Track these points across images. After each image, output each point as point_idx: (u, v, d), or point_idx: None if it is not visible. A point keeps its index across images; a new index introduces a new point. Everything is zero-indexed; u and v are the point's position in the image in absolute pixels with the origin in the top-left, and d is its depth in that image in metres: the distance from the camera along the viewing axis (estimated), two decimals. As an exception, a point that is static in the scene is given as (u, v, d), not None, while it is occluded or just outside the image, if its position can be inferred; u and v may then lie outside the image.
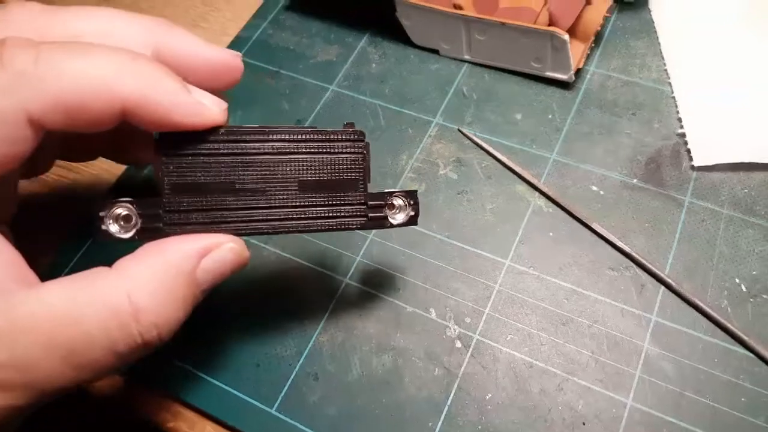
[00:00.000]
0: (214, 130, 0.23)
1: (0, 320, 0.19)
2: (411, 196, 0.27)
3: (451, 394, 0.30)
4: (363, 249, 0.35)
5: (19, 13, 0.23)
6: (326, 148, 0.25)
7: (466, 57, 0.41)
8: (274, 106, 0.41)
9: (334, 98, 0.41)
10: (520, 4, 0.41)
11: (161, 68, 0.22)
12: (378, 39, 0.44)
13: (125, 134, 0.29)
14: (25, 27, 0.22)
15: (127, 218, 0.23)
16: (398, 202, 0.27)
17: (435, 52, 0.42)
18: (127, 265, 0.22)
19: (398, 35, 0.43)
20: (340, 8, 0.44)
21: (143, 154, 0.32)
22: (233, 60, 0.27)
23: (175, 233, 0.23)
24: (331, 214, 0.25)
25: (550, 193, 0.35)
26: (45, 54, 0.20)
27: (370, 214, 0.26)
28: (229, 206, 0.24)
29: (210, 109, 0.23)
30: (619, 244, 0.33)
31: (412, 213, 0.27)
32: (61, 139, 0.29)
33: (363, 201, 0.26)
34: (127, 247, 0.23)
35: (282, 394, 0.31)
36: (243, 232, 0.24)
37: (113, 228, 0.23)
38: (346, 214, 0.25)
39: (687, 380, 0.30)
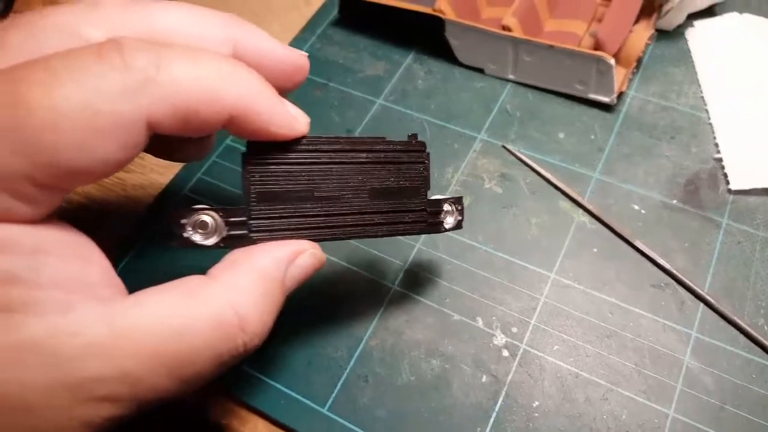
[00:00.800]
0: (296, 140, 0.24)
1: (105, 332, 0.19)
2: (458, 202, 0.29)
3: (499, 401, 0.31)
4: (411, 257, 0.36)
5: (106, 6, 0.22)
6: (394, 158, 0.26)
7: (511, 77, 0.42)
8: (324, 117, 0.42)
9: (381, 111, 0.42)
10: (564, 28, 0.42)
11: (262, 79, 0.23)
12: (423, 56, 0.45)
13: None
14: (114, 19, 0.22)
15: (205, 225, 0.23)
16: (447, 207, 0.28)
17: (479, 70, 0.43)
18: (224, 274, 0.22)
19: (443, 53, 0.44)
20: (387, 25, 0.45)
21: (192, 153, 0.31)
22: (302, 59, 0.27)
23: (260, 240, 0.24)
24: (396, 220, 0.27)
25: (593, 211, 0.36)
26: (164, 58, 0.20)
27: (429, 220, 0.27)
28: (308, 213, 0.25)
29: (300, 122, 0.24)
30: (661, 261, 0.34)
31: (460, 218, 0.29)
32: None
33: (424, 207, 0.27)
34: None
35: (334, 394, 0.32)
36: (321, 237, 0.25)
37: (196, 236, 0.23)
38: (410, 219, 0.27)
39: (726, 394, 0.31)
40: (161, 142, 0.31)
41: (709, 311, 0.33)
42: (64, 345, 0.18)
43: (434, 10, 0.42)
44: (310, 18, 0.48)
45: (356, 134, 0.41)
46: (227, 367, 0.22)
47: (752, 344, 0.32)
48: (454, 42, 0.42)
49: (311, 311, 0.34)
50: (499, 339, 0.33)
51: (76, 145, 0.18)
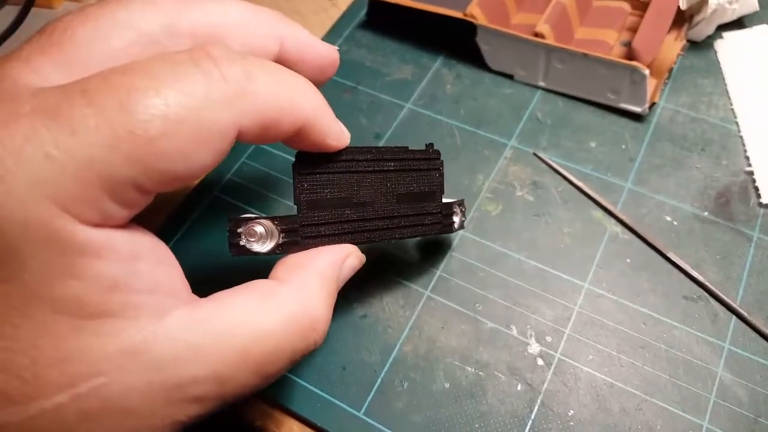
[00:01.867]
0: (339, 151, 0.26)
1: (197, 335, 0.20)
2: (461, 204, 0.33)
3: (535, 410, 0.31)
4: (443, 264, 0.36)
5: (162, 2, 0.23)
6: (415, 165, 0.29)
7: (541, 84, 0.42)
8: (352, 121, 0.42)
9: (410, 116, 0.42)
10: (595, 37, 0.42)
11: (320, 93, 0.24)
12: (452, 61, 0.45)
13: None
14: (172, 16, 0.23)
15: (256, 233, 0.24)
16: (456, 209, 0.32)
17: (509, 77, 0.43)
18: (291, 278, 0.24)
19: (472, 58, 0.44)
20: (415, 29, 0.45)
21: None
22: (336, 54, 0.28)
23: (310, 246, 0.26)
24: (418, 222, 0.29)
25: (626, 221, 0.36)
26: (252, 70, 0.20)
27: (444, 221, 0.30)
28: (348, 218, 0.26)
29: (346, 134, 0.25)
30: (693, 273, 0.35)
31: (463, 219, 0.33)
32: None
33: (440, 210, 0.30)
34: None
35: (369, 398, 0.32)
36: (360, 241, 0.27)
37: (251, 244, 0.24)
38: (429, 221, 0.29)
39: (760, 407, 0.31)
40: None
41: (742, 324, 0.33)
42: (162, 349, 0.19)
43: (465, 15, 0.42)
44: (337, 20, 0.48)
45: (385, 139, 0.41)
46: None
47: (785, 358, 0.32)
48: (484, 47, 0.42)
49: (345, 314, 0.34)
50: (534, 347, 0.33)
51: (181, 153, 0.19)
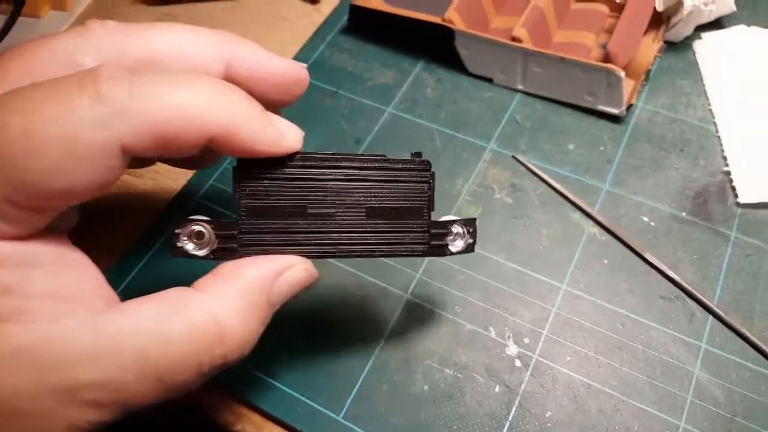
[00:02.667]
0: (290, 156, 0.24)
1: (93, 341, 0.20)
2: (470, 224, 0.27)
3: (512, 411, 0.31)
4: (423, 267, 0.36)
5: (98, 33, 0.23)
6: (394, 176, 0.26)
7: (520, 87, 0.43)
8: (333, 126, 0.42)
9: (391, 120, 0.42)
10: (573, 39, 0.43)
11: (247, 98, 0.23)
12: (433, 65, 0.45)
13: None
14: (104, 46, 0.23)
15: (200, 236, 0.24)
16: (457, 229, 0.27)
17: (488, 80, 0.44)
18: (209, 286, 0.23)
19: (452, 62, 0.44)
20: (397, 34, 0.45)
21: (203, 160, 0.32)
22: (301, 72, 0.27)
23: (249, 254, 0.24)
24: (394, 241, 0.26)
25: (604, 222, 0.37)
26: (138, 86, 0.20)
27: (432, 242, 0.26)
28: (300, 229, 0.25)
29: (289, 139, 0.24)
30: (670, 273, 0.35)
31: (471, 241, 0.27)
32: None
33: (426, 229, 0.26)
34: (188, 262, 0.24)
35: (349, 401, 0.32)
36: (312, 254, 0.25)
37: (189, 246, 0.24)
38: (409, 241, 0.26)
39: (736, 406, 0.31)
40: None
41: (719, 323, 0.34)
42: (53, 351, 0.19)
43: (444, 20, 0.42)
44: (320, 25, 0.48)
45: (366, 143, 0.41)
46: (211, 376, 0.23)
47: (761, 357, 0.33)
48: (463, 52, 0.43)
49: (326, 318, 0.34)
50: (512, 349, 0.33)
51: (52, 170, 0.19)
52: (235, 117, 0.22)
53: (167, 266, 0.36)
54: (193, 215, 0.24)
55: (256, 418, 0.32)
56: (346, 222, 0.25)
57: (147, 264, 0.36)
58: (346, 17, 0.47)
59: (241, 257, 0.24)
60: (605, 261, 0.36)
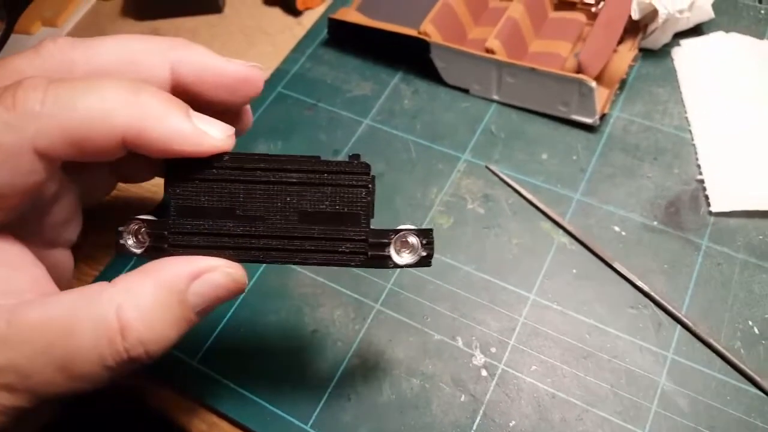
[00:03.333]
0: (219, 156, 0.24)
1: (6, 328, 0.21)
2: (425, 234, 0.25)
3: (477, 420, 0.32)
4: (393, 277, 0.36)
5: (50, 49, 0.24)
6: (329, 179, 0.24)
7: (495, 97, 0.43)
8: (312, 138, 0.43)
9: (368, 131, 0.43)
10: (549, 49, 0.43)
11: (163, 98, 0.23)
12: (410, 76, 0.46)
13: None
14: (54, 62, 0.24)
15: (138, 234, 0.24)
16: (412, 240, 0.25)
17: (465, 91, 0.44)
18: (124, 281, 0.23)
19: (430, 73, 0.45)
20: (376, 46, 0.46)
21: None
22: (250, 72, 0.27)
23: (177, 254, 0.24)
24: (329, 249, 0.24)
25: (574, 232, 0.37)
26: (51, 92, 0.21)
27: (371, 252, 0.24)
28: (228, 232, 0.24)
29: (211, 138, 0.23)
30: (639, 283, 0.35)
31: (424, 253, 0.25)
32: (114, 165, 0.31)
33: (364, 237, 0.24)
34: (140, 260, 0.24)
35: (317, 411, 0.32)
36: (240, 258, 0.24)
37: (130, 243, 0.24)
38: (346, 249, 0.24)
39: (701, 416, 0.31)
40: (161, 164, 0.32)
41: (686, 333, 0.34)
42: None
43: (419, 33, 0.42)
44: (301, 38, 0.49)
45: (342, 154, 0.42)
46: (122, 372, 0.23)
47: (728, 367, 0.33)
48: (439, 63, 0.43)
49: (296, 329, 0.35)
50: (478, 359, 0.34)
51: None
52: (145, 116, 0.22)
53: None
54: (141, 214, 0.24)
55: (226, 426, 0.33)
56: (277, 226, 0.24)
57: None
58: (326, 30, 0.48)
59: (169, 257, 0.24)
60: (574, 270, 0.36)
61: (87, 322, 0.22)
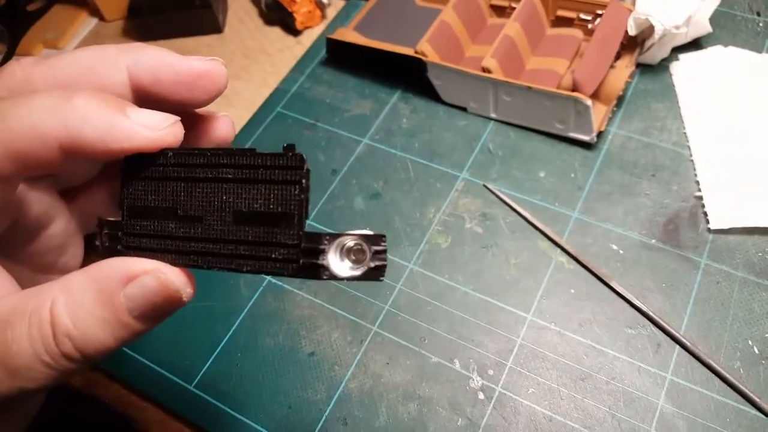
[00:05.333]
0: (163, 153, 0.23)
1: None
2: (373, 240, 0.20)
3: (473, 444, 0.32)
4: (391, 298, 0.37)
5: (12, 69, 0.24)
6: (262, 175, 0.21)
7: (493, 115, 0.43)
8: (310, 158, 0.43)
9: (366, 151, 0.43)
10: (546, 66, 0.43)
11: (96, 99, 0.23)
12: (409, 95, 0.46)
13: None
14: (15, 81, 0.24)
15: (102, 236, 0.24)
16: (357, 247, 0.20)
17: (463, 109, 0.44)
18: (65, 278, 0.23)
19: (428, 92, 0.45)
20: (374, 65, 0.46)
21: None
22: (209, 66, 0.26)
23: (129, 256, 0.23)
24: (261, 254, 0.21)
25: (571, 251, 0.37)
26: None
27: (303, 260, 0.21)
28: (171, 234, 0.22)
29: (142, 132, 0.22)
30: (637, 303, 0.35)
31: (373, 265, 0.20)
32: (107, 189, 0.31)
33: (296, 242, 0.21)
34: None
35: (312, 437, 0.32)
36: (180, 262, 0.22)
37: (97, 243, 0.24)
38: (278, 256, 0.21)
39: (700, 438, 0.31)
40: None
41: (685, 353, 0.33)
42: None
43: (416, 52, 0.42)
44: (300, 57, 0.49)
45: (341, 174, 0.42)
46: (62, 371, 0.22)
47: (728, 388, 0.32)
48: (436, 82, 0.43)
49: (294, 354, 0.35)
50: (476, 381, 0.33)
51: None
52: (77, 119, 0.22)
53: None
54: (103, 218, 0.24)
55: (223, 451, 0.33)
56: (213, 228, 0.22)
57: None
58: (325, 50, 0.48)
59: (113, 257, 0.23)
60: (572, 290, 0.36)
61: (24, 316, 0.22)
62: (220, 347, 0.35)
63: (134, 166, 0.23)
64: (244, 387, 0.34)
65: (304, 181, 0.21)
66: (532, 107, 0.41)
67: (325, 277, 0.21)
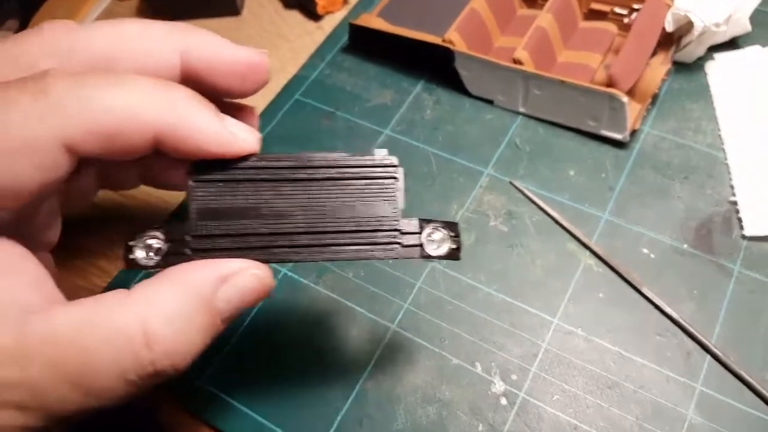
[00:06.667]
0: (244, 157, 0.24)
1: (14, 340, 0.19)
2: (451, 227, 0.25)
3: (495, 451, 0.30)
4: (411, 296, 0.35)
5: (50, 34, 0.23)
6: (358, 173, 0.24)
7: (521, 109, 0.42)
8: (330, 147, 0.42)
9: (388, 142, 0.42)
10: (578, 60, 0.41)
11: (195, 98, 0.23)
12: (433, 86, 0.44)
13: (159, 161, 0.29)
14: (55, 46, 0.23)
15: (153, 245, 0.23)
16: (437, 235, 0.25)
17: (489, 102, 0.43)
18: (144, 289, 0.22)
19: (453, 83, 0.43)
20: (398, 53, 0.45)
21: (177, 180, 0.31)
22: (257, 57, 0.26)
23: (200, 258, 0.23)
24: (361, 242, 0.24)
25: (601, 254, 0.35)
26: (81, 84, 0.20)
27: (405, 243, 0.24)
28: (254, 231, 0.23)
29: (242, 140, 0.23)
30: (668, 310, 0.33)
31: (453, 246, 0.25)
32: (97, 171, 0.30)
33: (396, 228, 0.24)
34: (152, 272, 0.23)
35: (327, 437, 0.31)
36: (269, 258, 0.24)
37: (141, 256, 0.23)
38: (379, 241, 0.24)
39: (731, 454, 0.30)
40: (143, 169, 0.31)
41: (716, 364, 0.32)
42: None
43: (444, 41, 0.41)
44: (321, 44, 0.47)
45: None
46: (142, 387, 0.21)
47: (759, 400, 0.31)
48: (463, 73, 0.42)
49: (308, 348, 0.34)
50: (498, 386, 0.32)
51: None
52: (180, 115, 0.22)
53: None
54: (148, 227, 0.23)
55: (235, 449, 0.32)
56: (304, 223, 0.24)
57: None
58: (346, 36, 0.47)
59: (190, 262, 0.23)
60: (600, 294, 0.35)
61: (104, 334, 0.20)
62: (231, 342, 0.34)
63: (204, 169, 0.23)
64: (256, 384, 0.33)
65: (397, 176, 0.25)
66: (564, 102, 0.39)
67: (424, 257, 0.24)
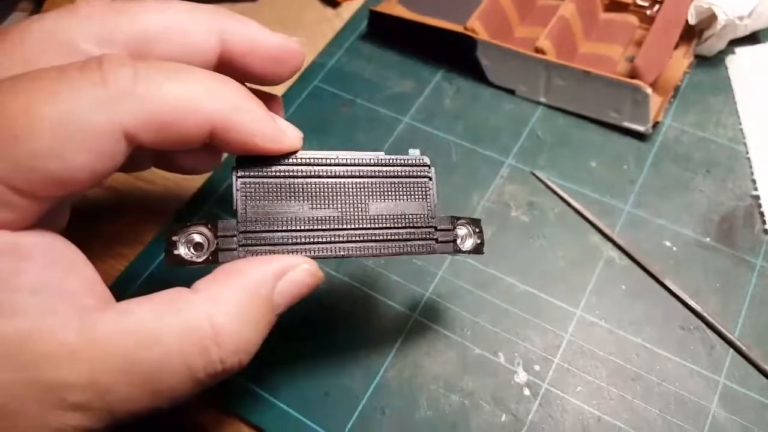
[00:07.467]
0: (290, 154, 0.24)
1: (78, 339, 0.19)
2: (475, 224, 0.27)
3: (518, 441, 0.30)
4: (432, 285, 0.35)
5: (87, 12, 0.23)
6: (394, 172, 0.25)
7: (542, 100, 0.41)
8: (349, 135, 0.41)
9: (407, 131, 0.41)
10: (599, 52, 0.41)
11: (249, 94, 0.23)
12: (453, 75, 0.44)
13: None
14: (93, 26, 0.23)
15: (198, 241, 0.23)
16: (462, 231, 0.27)
17: (510, 92, 0.42)
18: (207, 287, 0.22)
19: (474, 72, 0.43)
20: (417, 41, 0.44)
21: (191, 164, 0.31)
22: (293, 44, 0.26)
23: (250, 255, 0.23)
24: (401, 238, 0.25)
25: (623, 246, 0.35)
26: (142, 73, 0.20)
27: (440, 239, 0.26)
28: (302, 228, 0.24)
29: (288, 135, 0.24)
30: (691, 303, 0.33)
31: (479, 241, 0.27)
32: None
33: (431, 225, 0.26)
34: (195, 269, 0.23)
35: (349, 425, 0.31)
36: (316, 254, 0.24)
37: (185, 252, 0.23)
38: (416, 237, 0.25)
39: (754, 447, 0.30)
40: (163, 153, 0.30)
41: (739, 357, 0.32)
42: (37, 348, 0.19)
43: (466, 29, 0.41)
44: (339, 30, 0.47)
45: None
46: (207, 385, 0.21)
47: (783, 395, 0.31)
48: (485, 62, 0.41)
49: (330, 337, 0.34)
50: (521, 376, 0.32)
51: (51, 153, 0.19)
52: (236, 109, 0.22)
53: (178, 271, 0.36)
54: (190, 222, 0.23)
55: (253, 435, 0.32)
56: (349, 221, 0.25)
57: (158, 268, 0.36)
58: (365, 23, 0.46)
59: (239, 258, 0.23)
60: (623, 287, 0.35)
61: (173, 332, 0.20)
62: (254, 327, 0.34)
63: (250, 166, 0.24)
64: (276, 372, 0.33)
65: (431, 176, 0.26)
66: (587, 93, 0.39)
67: (457, 251, 0.26)
